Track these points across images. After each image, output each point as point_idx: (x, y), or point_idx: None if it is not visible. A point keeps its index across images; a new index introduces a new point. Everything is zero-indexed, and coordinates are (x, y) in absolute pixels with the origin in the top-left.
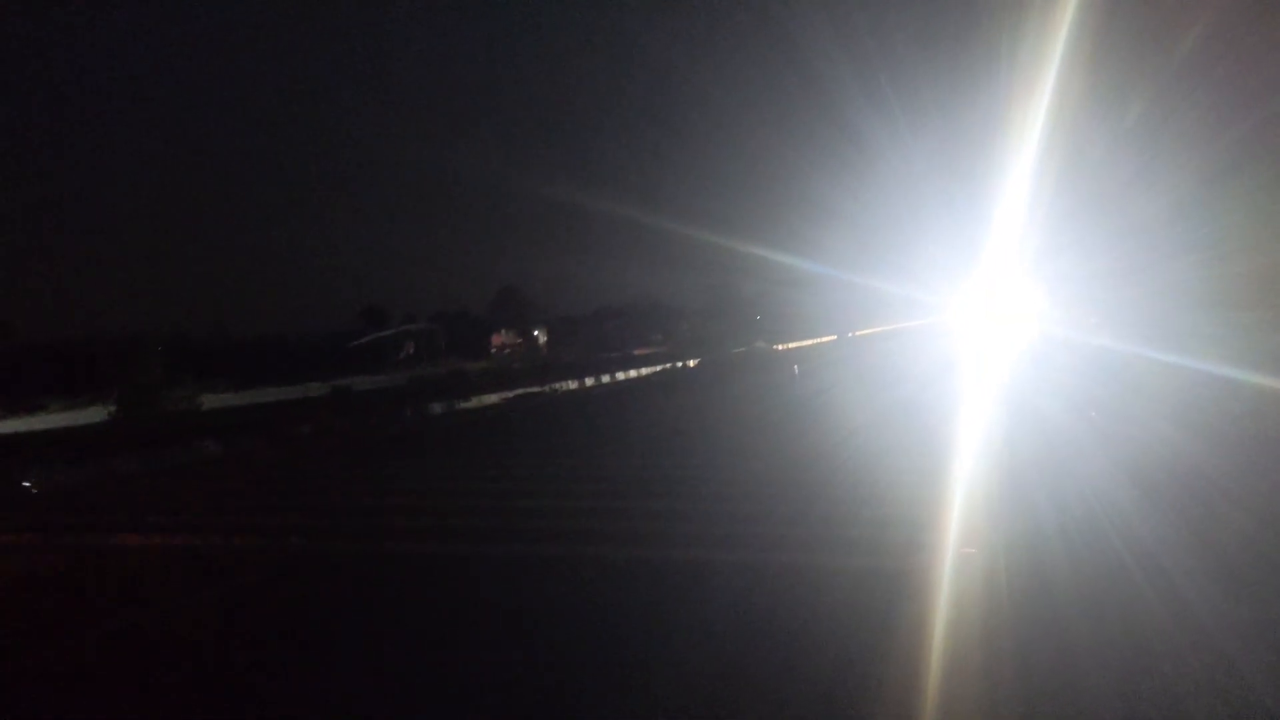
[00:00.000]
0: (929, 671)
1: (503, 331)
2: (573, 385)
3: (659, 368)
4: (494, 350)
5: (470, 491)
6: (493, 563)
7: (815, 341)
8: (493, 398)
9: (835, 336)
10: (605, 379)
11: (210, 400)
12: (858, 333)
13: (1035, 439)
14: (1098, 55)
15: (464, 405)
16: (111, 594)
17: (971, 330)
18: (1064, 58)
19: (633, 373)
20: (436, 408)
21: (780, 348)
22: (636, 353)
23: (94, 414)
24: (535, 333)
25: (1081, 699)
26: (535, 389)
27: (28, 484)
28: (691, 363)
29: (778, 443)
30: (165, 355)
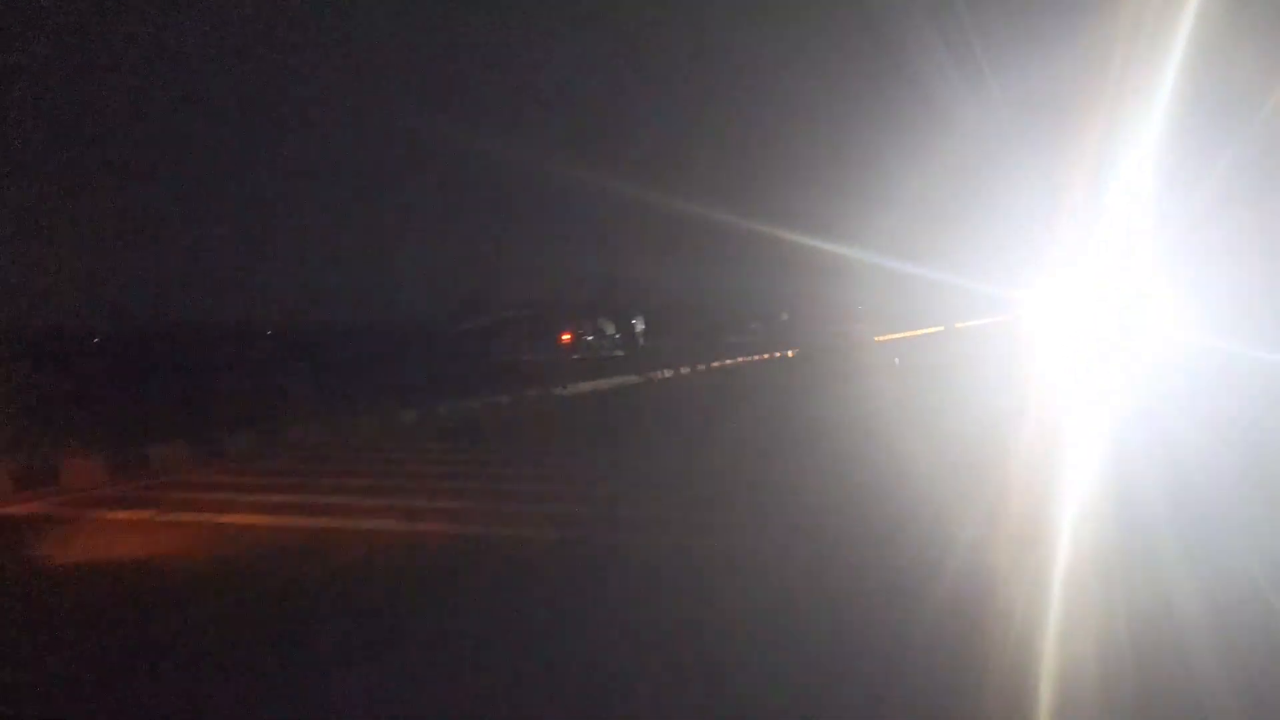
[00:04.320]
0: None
1: (591, 322)
2: (668, 374)
3: (755, 357)
4: (588, 339)
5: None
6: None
7: (918, 333)
8: (586, 386)
9: (942, 327)
10: (700, 368)
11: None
12: (960, 325)
13: (1157, 456)
14: (1229, 35)
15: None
16: None
17: (1079, 328)
18: (1189, 43)
19: (727, 361)
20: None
21: (880, 339)
22: (733, 340)
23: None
24: (634, 321)
25: None
26: (634, 378)
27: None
28: (790, 352)
29: (880, 449)
30: (272, 341)
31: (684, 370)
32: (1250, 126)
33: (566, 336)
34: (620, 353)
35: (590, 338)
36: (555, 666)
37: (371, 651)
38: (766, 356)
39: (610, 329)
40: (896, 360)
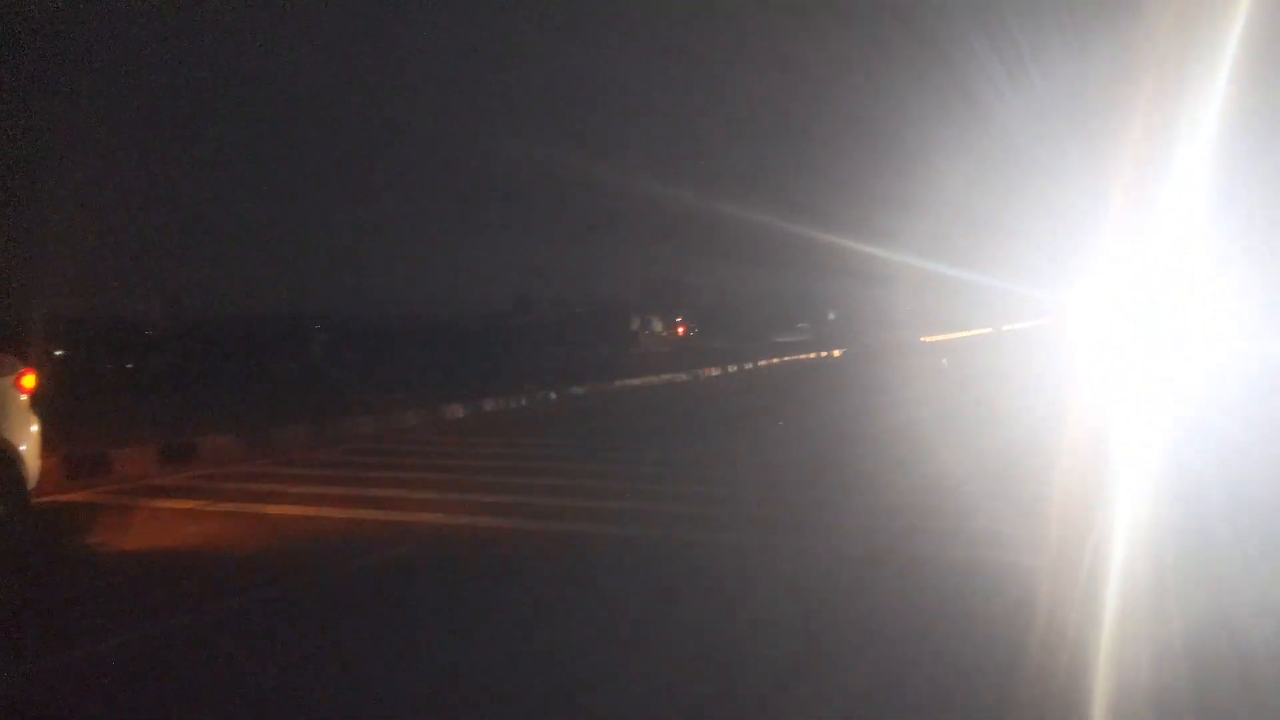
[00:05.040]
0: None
1: (649, 319)
2: (715, 372)
3: (802, 356)
4: (640, 335)
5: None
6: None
7: (966, 335)
8: (635, 382)
9: (989, 330)
10: (748, 366)
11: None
12: (1008, 327)
13: (1215, 470)
14: None
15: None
16: None
17: (1131, 331)
18: (1244, 36)
19: (774, 360)
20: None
21: (927, 340)
22: (781, 340)
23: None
24: (678, 319)
25: None
26: (682, 375)
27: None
28: (836, 353)
29: (931, 453)
30: (324, 333)
31: (731, 369)
32: None
33: (681, 329)
34: (667, 349)
35: (639, 335)
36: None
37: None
38: (814, 356)
39: (658, 327)
40: (944, 362)
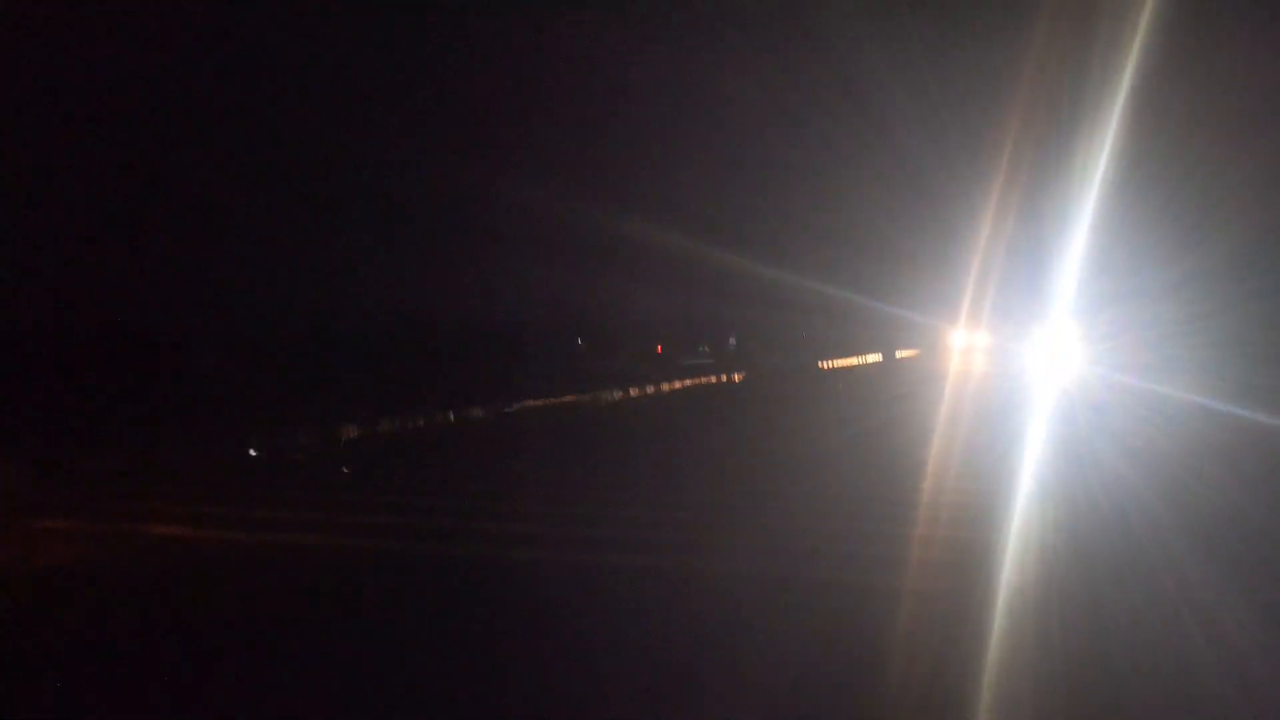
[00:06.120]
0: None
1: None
2: (618, 395)
3: (703, 380)
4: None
5: None
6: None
7: (860, 360)
8: (535, 403)
9: (880, 356)
10: (650, 390)
11: None
12: (899, 354)
13: (1087, 483)
14: (1158, 99)
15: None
16: None
17: (1015, 361)
18: (1126, 100)
19: (676, 384)
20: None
21: (824, 365)
22: (685, 363)
23: None
24: (579, 341)
25: None
26: (584, 397)
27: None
28: (737, 377)
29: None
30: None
31: (633, 392)
32: (1180, 189)
33: (659, 348)
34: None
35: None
36: None
37: None
38: (714, 380)
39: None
40: (840, 387)
